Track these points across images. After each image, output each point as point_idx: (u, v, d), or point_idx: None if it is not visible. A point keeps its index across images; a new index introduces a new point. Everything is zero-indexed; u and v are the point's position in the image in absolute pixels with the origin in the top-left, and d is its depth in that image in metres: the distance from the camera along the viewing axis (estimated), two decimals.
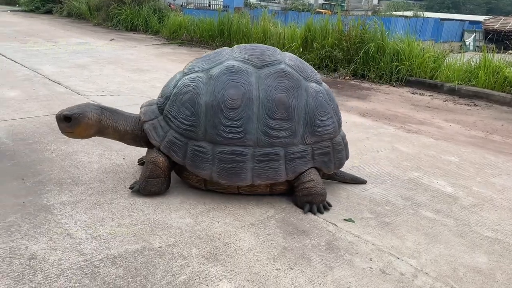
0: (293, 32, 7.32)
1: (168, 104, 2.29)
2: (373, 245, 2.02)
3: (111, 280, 1.65)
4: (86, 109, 2.23)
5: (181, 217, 2.15)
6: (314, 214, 2.27)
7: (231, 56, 2.33)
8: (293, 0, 33.50)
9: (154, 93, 4.62)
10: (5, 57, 6.32)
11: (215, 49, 8.42)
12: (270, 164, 2.23)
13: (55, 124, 3.47)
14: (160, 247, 1.89)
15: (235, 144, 2.20)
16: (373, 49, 6.09)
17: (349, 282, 1.74)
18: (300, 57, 7.00)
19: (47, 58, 6.46)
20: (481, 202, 2.56)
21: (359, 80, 6.33)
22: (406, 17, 14.76)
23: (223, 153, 2.20)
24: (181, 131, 2.24)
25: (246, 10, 10.72)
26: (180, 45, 9.18)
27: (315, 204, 2.29)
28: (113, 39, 9.55)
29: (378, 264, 1.88)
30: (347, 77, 6.31)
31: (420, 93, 5.73)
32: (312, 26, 6.93)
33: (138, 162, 2.73)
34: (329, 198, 2.45)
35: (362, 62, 6.30)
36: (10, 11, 16.24)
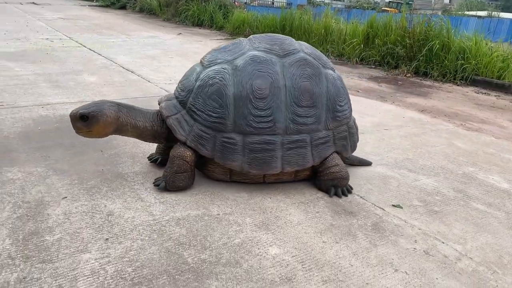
0: (355, 28, 7.32)
1: (192, 98, 2.27)
2: (419, 229, 2.10)
3: (175, 237, 1.87)
4: (103, 106, 2.14)
5: (237, 191, 2.34)
6: (340, 197, 2.36)
7: (252, 46, 2.35)
8: None
9: None
10: (85, 47, 6.91)
11: None
12: (298, 151, 2.29)
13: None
14: (218, 214, 2.09)
15: (264, 133, 2.24)
16: (438, 46, 5.97)
17: (392, 259, 1.84)
18: (361, 53, 7.00)
19: (121, 49, 6.97)
20: None
21: (420, 78, 6.22)
22: (479, 17, 14.08)
23: (253, 143, 2.23)
24: (209, 124, 2.23)
25: (308, 7, 10.79)
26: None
27: (339, 187, 2.38)
28: (180, 33, 10.03)
29: (422, 246, 1.96)
30: (408, 75, 6.23)
31: (485, 93, 5.55)
32: (374, 22, 6.89)
33: (148, 159, 2.65)
34: (380, 187, 2.54)
35: (425, 59, 6.19)
36: (89, 6, 17.45)
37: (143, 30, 10.18)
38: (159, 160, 2.57)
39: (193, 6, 12.09)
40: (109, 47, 7.02)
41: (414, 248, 1.93)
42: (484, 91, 5.66)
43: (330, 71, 2.46)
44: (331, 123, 2.39)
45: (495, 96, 5.45)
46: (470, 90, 5.67)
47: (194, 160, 2.26)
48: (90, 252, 1.74)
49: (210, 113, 2.22)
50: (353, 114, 2.69)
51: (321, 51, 7.71)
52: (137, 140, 2.98)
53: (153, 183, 2.33)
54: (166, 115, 2.27)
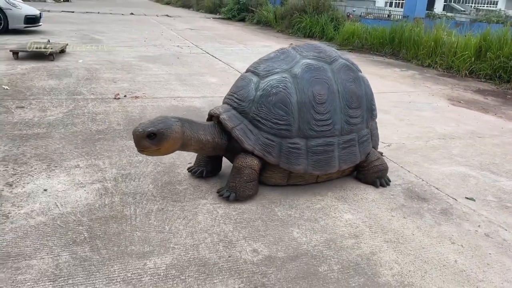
0: (467, 41, 7.19)
1: (255, 107, 2.32)
2: (486, 217, 2.32)
3: (269, 198, 2.39)
4: (170, 122, 2.12)
5: None
6: (384, 187, 2.60)
7: (301, 55, 2.47)
8: (487, 12, 30.66)
9: None
10: (208, 53, 7.88)
11: (384, 56, 8.71)
12: (350, 149, 2.48)
13: None
14: (303, 186, 2.56)
15: (325, 135, 2.39)
16: None
17: (452, 235, 2.12)
18: (471, 66, 6.88)
19: (238, 56, 7.81)
20: None
21: None
22: None
23: (316, 145, 2.36)
24: (274, 131, 2.31)
25: (423, 20, 10.67)
26: (350, 51, 9.77)
27: (383, 178, 2.63)
28: (291, 44, 10.69)
29: (484, 230, 2.19)
30: None
31: None
32: (488, 35, 6.73)
33: (189, 171, 2.61)
34: (458, 183, 2.77)
35: None
36: (213, 18, 19.17)
37: (258, 40, 11.05)
38: (204, 173, 2.55)
39: (306, 18, 12.70)
40: (227, 54, 7.90)
41: (476, 231, 2.18)
42: None
43: (363, 75, 2.69)
44: (370, 121, 2.64)
45: None
46: None
47: (260, 168, 2.34)
48: (206, 199, 2.33)
49: (276, 120, 2.30)
50: (449, 122, 2.94)
51: (429, 63, 7.71)
52: None
53: (219, 194, 2.35)
54: (231, 126, 2.30)
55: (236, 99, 2.40)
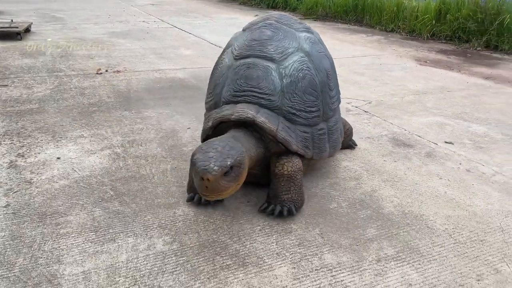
0: (428, 5, 7.53)
1: (287, 98, 1.94)
2: (465, 157, 2.61)
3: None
4: (236, 147, 1.64)
5: None
6: (353, 148, 2.65)
7: (292, 27, 2.14)
8: None
9: None
10: (176, 27, 7.84)
11: (348, 23, 8.96)
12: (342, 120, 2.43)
13: None
14: None
15: (336, 113, 2.25)
16: (509, 20, 6.09)
17: (438, 172, 2.39)
18: (432, 29, 7.24)
19: (207, 29, 7.82)
20: None
21: (491, 51, 6.38)
22: None
23: (332, 125, 2.17)
24: (308, 121, 2.00)
25: None
26: (315, 20, 9.95)
27: (351, 140, 2.66)
28: (257, 15, 10.74)
29: (465, 166, 2.48)
30: (479, 48, 6.42)
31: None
32: None
33: (189, 200, 2.00)
34: (436, 130, 3.05)
35: (496, 33, 6.33)
36: None
37: (223, 13, 11.01)
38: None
39: None
40: (196, 28, 7.89)
41: (458, 167, 2.46)
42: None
43: None
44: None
45: None
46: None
47: None
48: None
49: (309, 109, 2.00)
50: (419, 80, 3.20)
51: (392, 28, 8.02)
52: None
53: (267, 212, 1.90)
54: (274, 129, 1.87)
55: (261, 94, 1.91)
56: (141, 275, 1.51)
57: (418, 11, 7.67)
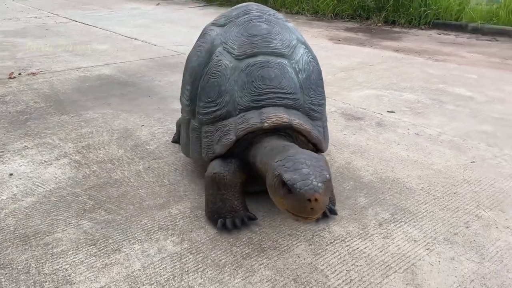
0: None
1: (306, 95, 1.83)
2: (410, 122, 2.87)
3: None
4: (319, 156, 1.44)
5: None
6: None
7: (278, 16, 2.04)
8: None
9: None
10: (77, 21, 7.28)
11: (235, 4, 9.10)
12: None
13: (151, 64, 4.41)
14: None
15: None
16: None
17: (394, 139, 2.61)
18: (335, 9, 7.68)
19: (112, 21, 7.38)
20: (492, 100, 3.35)
21: (390, 26, 6.99)
22: None
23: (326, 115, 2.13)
24: (320, 116, 1.93)
25: None
26: (220, 6, 9.94)
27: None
28: (158, 3, 10.38)
29: (413, 131, 2.74)
30: (379, 24, 6.98)
31: (446, 34, 6.38)
32: None
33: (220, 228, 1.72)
34: (376, 102, 3.30)
35: (393, 9, 6.94)
36: None
37: (123, 2, 10.45)
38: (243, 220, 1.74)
39: None
40: (100, 20, 7.40)
41: (408, 133, 2.71)
42: (445, 32, 6.49)
43: None
44: None
45: (454, 35, 6.29)
46: (433, 33, 6.49)
47: None
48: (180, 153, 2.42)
49: (321, 101, 1.93)
50: (341, 57, 3.41)
51: (297, 10, 8.34)
52: (174, 88, 3.62)
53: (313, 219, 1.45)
54: (309, 129, 1.75)
55: (284, 94, 1.77)
56: (166, 279, 1.45)
57: None
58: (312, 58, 1.93)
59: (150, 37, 5.88)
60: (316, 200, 1.25)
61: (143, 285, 1.43)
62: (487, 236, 1.69)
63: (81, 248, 1.60)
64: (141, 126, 2.79)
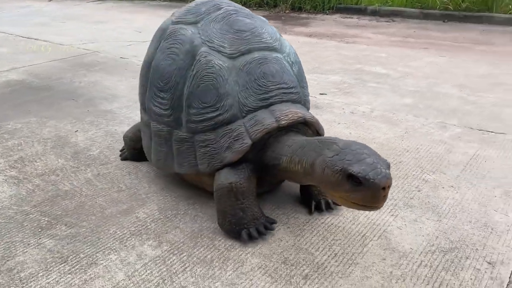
0: None
1: (302, 87, 1.82)
2: (342, 102, 3.05)
3: None
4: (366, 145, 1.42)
5: None
6: None
7: (248, 10, 1.93)
8: None
9: (125, 37, 5.26)
10: None
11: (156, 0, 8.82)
12: None
13: (64, 65, 4.10)
14: None
15: None
16: None
17: (334, 119, 2.76)
18: None
19: (4, 21, 6.67)
20: (405, 75, 3.68)
21: (297, 13, 7.27)
22: None
23: None
24: (308, 106, 1.89)
25: None
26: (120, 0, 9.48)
27: None
28: (50, 0, 9.59)
29: (347, 110, 2.92)
30: (287, 11, 7.22)
31: (349, 17, 6.82)
32: None
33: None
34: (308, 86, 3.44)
35: None
36: None
37: (10, 1, 9.46)
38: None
39: None
40: None
41: (344, 112, 2.88)
42: (347, 15, 6.93)
43: None
44: None
45: (357, 18, 6.75)
46: (337, 17, 6.89)
47: None
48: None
49: (308, 91, 1.92)
50: None
51: None
52: (98, 88, 3.43)
53: (319, 208, 1.78)
54: (316, 122, 1.74)
55: (288, 89, 1.71)
56: (156, 284, 1.40)
57: None
58: (294, 50, 1.87)
59: (53, 36, 5.43)
60: (388, 186, 1.24)
61: None
62: (438, 196, 1.88)
63: (51, 268, 1.48)
64: (75, 132, 2.60)
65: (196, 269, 1.47)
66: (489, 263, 1.47)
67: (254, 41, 1.72)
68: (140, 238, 1.63)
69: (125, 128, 2.63)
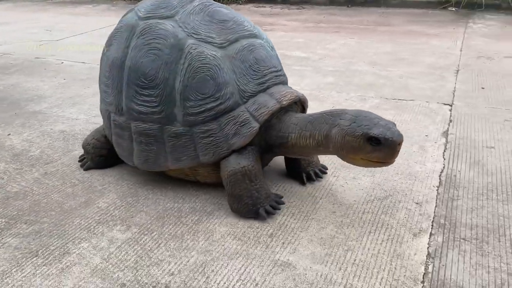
0: None
1: (283, 69, 1.93)
2: None
3: None
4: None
5: None
6: None
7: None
8: None
9: (35, 37, 5.00)
10: None
11: None
12: None
13: None
14: None
15: None
16: None
17: None
18: None
19: None
20: (324, 57, 4.00)
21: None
22: None
23: None
24: None
25: None
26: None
27: None
28: None
29: None
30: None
31: (261, 6, 7.08)
32: None
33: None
34: None
35: None
36: None
37: None
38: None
39: None
40: None
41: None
42: (260, 4, 7.19)
43: None
44: None
45: (269, 7, 7.04)
46: (251, 6, 7.12)
47: None
48: (76, 149, 2.32)
49: None
50: None
51: None
52: (19, 87, 3.30)
53: (311, 178, 1.95)
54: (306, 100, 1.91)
55: (278, 72, 1.81)
56: (134, 262, 1.48)
57: None
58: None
59: None
60: (401, 142, 1.41)
61: (115, 273, 1.44)
62: None
63: (23, 263, 1.49)
64: (8, 135, 2.51)
65: (170, 244, 1.57)
66: (417, 203, 1.77)
67: (239, 29, 1.77)
68: (108, 225, 1.69)
69: (61, 127, 2.60)
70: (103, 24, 5.76)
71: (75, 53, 4.33)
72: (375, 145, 1.41)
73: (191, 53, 1.68)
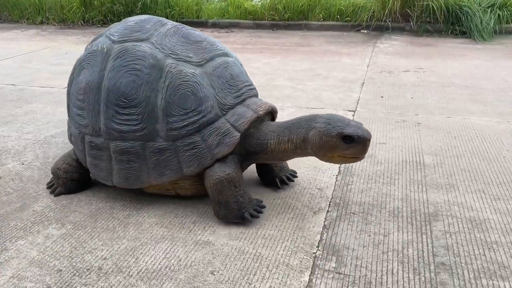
0: None
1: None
2: None
3: None
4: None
5: None
6: None
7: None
8: None
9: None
10: None
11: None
12: None
13: None
14: None
15: None
16: (148, 0, 7.38)
17: None
18: (84, 16, 7.73)
19: None
20: (249, 75, 4.33)
21: None
22: None
23: None
24: None
25: None
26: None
27: None
28: None
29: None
30: None
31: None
32: None
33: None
34: None
35: (141, 12, 7.52)
36: None
37: None
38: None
39: None
40: None
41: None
42: (191, 29, 7.49)
43: None
44: None
45: (200, 30, 7.33)
46: None
47: None
48: (7, 165, 2.42)
49: None
50: None
51: (41, 20, 7.96)
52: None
53: (284, 183, 2.13)
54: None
55: (250, 86, 1.98)
56: (69, 252, 1.65)
57: (61, 1, 7.93)
58: None
59: None
60: (369, 143, 1.60)
61: (51, 262, 1.60)
62: None
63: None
64: None
65: (102, 236, 1.76)
66: (319, 189, 2.10)
67: (212, 49, 1.92)
68: (43, 225, 1.84)
69: None
70: (33, 48, 5.76)
71: (4, 76, 4.34)
72: (349, 142, 1.59)
73: (171, 71, 1.79)
